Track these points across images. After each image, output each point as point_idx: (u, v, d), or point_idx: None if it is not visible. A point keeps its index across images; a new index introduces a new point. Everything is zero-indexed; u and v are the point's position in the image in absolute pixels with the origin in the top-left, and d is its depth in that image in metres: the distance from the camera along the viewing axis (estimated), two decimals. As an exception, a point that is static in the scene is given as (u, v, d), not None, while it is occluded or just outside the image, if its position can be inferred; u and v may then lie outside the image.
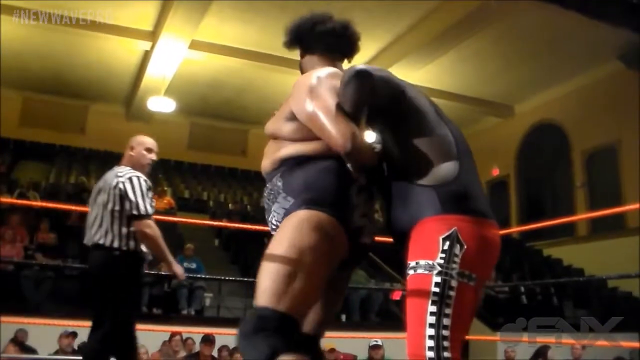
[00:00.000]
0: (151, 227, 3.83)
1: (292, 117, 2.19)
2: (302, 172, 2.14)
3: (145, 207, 3.83)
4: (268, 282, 1.98)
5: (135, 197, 3.82)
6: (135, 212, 3.81)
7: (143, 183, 3.92)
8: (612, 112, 13.16)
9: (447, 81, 14.29)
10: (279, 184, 2.18)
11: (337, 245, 2.08)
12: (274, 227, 2.19)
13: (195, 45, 13.16)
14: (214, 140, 18.63)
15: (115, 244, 3.78)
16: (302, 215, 2.05)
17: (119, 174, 3.94)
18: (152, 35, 13.08)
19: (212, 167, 19.04)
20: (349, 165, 2.13)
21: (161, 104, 15.33)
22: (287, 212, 2.11)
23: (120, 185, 3.86)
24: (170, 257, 3.98)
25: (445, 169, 2.08)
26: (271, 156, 2.26)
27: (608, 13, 10.63)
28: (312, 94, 2.12)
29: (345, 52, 2.47)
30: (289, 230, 2.04)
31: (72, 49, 13.78)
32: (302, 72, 2.41)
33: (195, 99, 16.62)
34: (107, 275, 3.80)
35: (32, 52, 14.04)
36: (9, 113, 16.45)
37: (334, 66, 2.35)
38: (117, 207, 3.83)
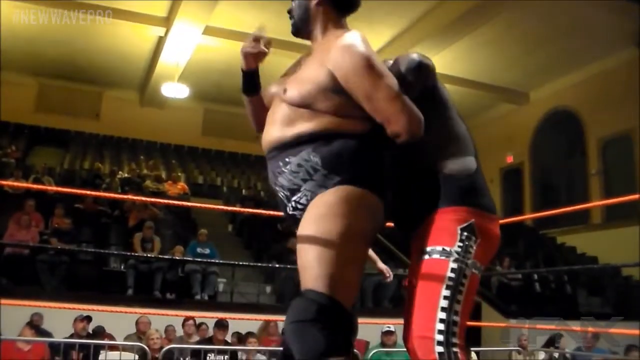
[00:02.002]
0: None
1: (338, 90, 2.00)
2: (344, 148, 1.99)
3: None
4: (321, 265, 1.88)
5: None
6: None
7: None
8: (628, 99, 13.01)
9: (462, 67, 14.21)
10: (316, 159, 1.99)
11: (378, 223, 2.06)
12: (300, 207, 2.03)
13: (209, 31, 13.15)
14: (227, 126, 18.61)
15: None
16: (352, 192, 1.96)
17: None
18: (166, 21, 13.07)
19: (226, 153, 19.06)
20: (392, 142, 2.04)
21: (175, 90, 15.35)
22: (326, 190, 1.98)
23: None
24: None
25: (467, 163, 2.13)
26: (294, 126, 2.05)
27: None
28: (371, 70, 1.96)
29: (352, 8, 2.26)
30: (339, 208, 1.93)
31: (86, 36, 13.79)
32: (305, 23, 2.25)
33: (209, 85, 16.62)
34: None
35: (47, 39, 14.07)
36: (24, 99, 16.57)
37: (341, 21, 2.22)
38: None
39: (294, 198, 2.05)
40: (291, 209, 2.08)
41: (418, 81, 2.08)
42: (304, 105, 2.04)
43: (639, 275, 12.31)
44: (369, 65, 1.96)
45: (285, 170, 2.05)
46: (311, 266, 1.89)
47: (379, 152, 2.05)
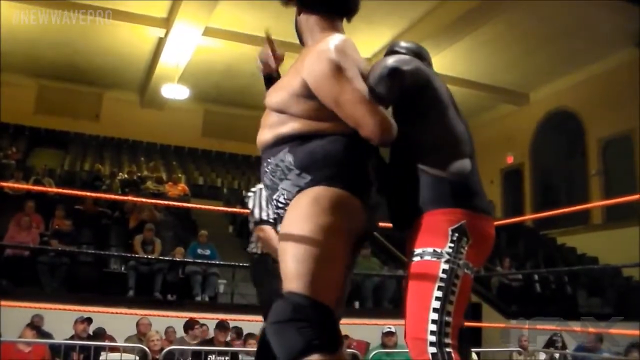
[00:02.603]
0: (263, 231, 4.03)
1: (309, 95, 2.04)
2: (317, 148, 2.03)
3: (259, 215, 4.06)
4: (297, 265, 1.90)
5: (253, 208, 4.14)
6: (253, 220, 4.09)
7: (265, 194, 4.14)
8: (628, 99, 13.02)
9: (462, 68, 14.22)
10: (289, 159, 2.05)
11: (358, 223, 2.06)
12: (281, 205, 2.10)
13: (209, 32, 13.16)
14: (227, 127, 18.63)
15: (253, 250, 4.19)
16: (323, 192, 1.98)
17: (251, 190, 4.31)
18: (166, 23, 13.08)
19: (226, 154, 19.06)
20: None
21: (175, 91, 15.36)
22: (301, 190, 2.02)
23: (246, 200, 4.38)
24: None
25: (461, 164, 2.13)
26: (274, 130, 2.11)
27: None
28: (339, 75, 1.98)
29: (347, 12, 2.26)
30: (310, 208, 1.96)
31: (86, 37, 13.81)
32: (298, 32, 2.29)
33: (209, 86, 16.63)
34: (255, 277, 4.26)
35: (47, 40, 14.09)
36: (24, 100, 16.58)
37: (335, 28, 2.21)
38: (251, 219, 4.17)
39: (274, 196, 2.13)
40: (274, 207, 2.16)
41: (391, 88, 2.06)
42: (281, 110, 2.11)
43: (639, 275, 12.31)
44: (336, 71, 1.98)
45: (267, 170, 2.13)
46: (288, 266, 1.92)
47: (358, 151, 2.05)
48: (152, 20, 13.14)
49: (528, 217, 13.00)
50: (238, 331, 8.11)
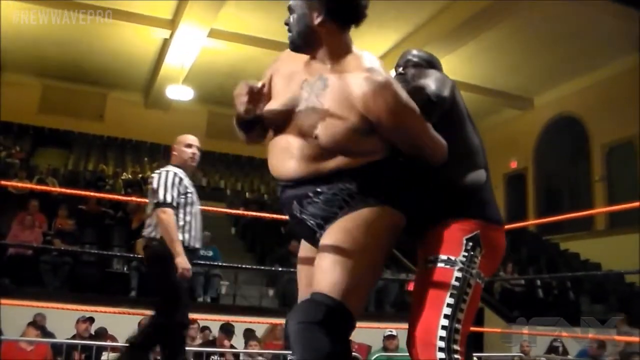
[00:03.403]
0: (165, 214, 4.04)
1: (371, 130, 1.98)
2: (375, 172, 2.01)
3: (164, 196, 4.07)
4: (340, 272, 1.90)
5: (158, 188, 4.11)
6: (155, 200, 4.09)
7: (170, 176, 4.19)
8: (632, 105, 12.98)
9: (466, 72, 14.20)
10: (351, 187, 1.99)
11: (398, 240, 2.11)
12: (321, 231, 2.04)
13: (214, 33, 13.16)
14: (232, 129, 18.30)
15: (152, 234, 4.13)
16: (379, 211, 2.00)
17: (155, 172, 4.33)
18: (171, 24, 13.09)
19: (230, 156, 19.04)
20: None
21: (180, 93, 15.36)
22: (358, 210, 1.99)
23: (150, 180, 4.29)
24: (179, 248, 4.01)
25: (476, 175, 2.18)
26: (316, 164, 2.01)
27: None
28: (405, 108, 1.96)
29: (357, 21, 2.11)
30: (365, 224, 1.96)
31: (91, 37, 13.82)
32: (305, 41, 2.11)
33: (213, 88, 16.62)
34: (151, 263, 4.23)
35: (51, 40, 14.09)
36: (29, 100, 16.59)
37: (348, 41, 2.10)
38: (150, 200, 4.21)
39: (327, 226, 2.03)
40: (320, 235, 2.07)
41: (435, 114, 2.09)
42: (338, 148, 2.00)
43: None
44: (403, 108, 1.97)
45: (318, 200, 2.03)
46: (329, 272, 1.92)
47: (404, 171, 2.08)
48: (158, 21, 13.14)
49: (531, 222, 13.00)
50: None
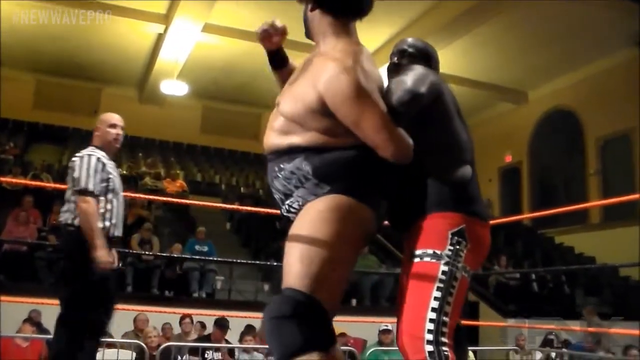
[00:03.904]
0: (87, 203, 3.79)
1: (327, 112, 2.01)
2: (335, 159, 2.03)
3: (86, 184, 3.82)
4: (304, 265, 1.92)
5: (80, 174, 3.84)
6: (77, 187, 3.83)
7: (93, 162, 3.90)
8: (627, 99, 13.01)
9: (461, 66, 14.21)
10: (307, 168, 2.04)
11: (368, 231, 2.10)
12: (293, 210, 2.10)
13: (208, 28, 13.15)
14: (226, 123, 18.65)
15: (70, 221, 3.86)
16: (340, 201, 2.00)
17: (77, 154, 3.98)
18: (165, 18, 13.08)
19: (225, 151, 19.05)
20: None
21: (174, 87, 15.36)
22: (318, 197, 2.04)
23: (71, 164, 3.94)
24: (98, 241, 3.73)
25: (463, 171, 2.20)
26: (287, 138, 2.09)
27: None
28: (360, 98, 1.97)
29: (362, 14, 2.19)
30: (327, 214, 1.98)
31: (85, 32, 13.78)
32: (308, 28, 2.24)
33: (208, 83, 16.62)
34: (66, 252, 4.01)
35: (45, 35, 14.05)
36: (23, 96, 16.55)
37: (348, 31, 2.17)
38: (71, 185, 3.91)
39: (287, 202, 2.13)
40: (285, 211, 2.16)
41: (411, 111, 2.08)
42: (295, 122, 2.08)
43: (638, 275, 12.31)
44: (357, 95, 1.97)
45: (280, 176, 2.11)
46: (294, 265, 1.94)
47: (373, 163, 2.05)
48: (152, 16, 13.13)
49: (526, 215, 13.00)
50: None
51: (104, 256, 3.73)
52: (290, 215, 2.13)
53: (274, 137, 2.15)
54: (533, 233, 15.36)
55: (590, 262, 12.95)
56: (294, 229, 2.02)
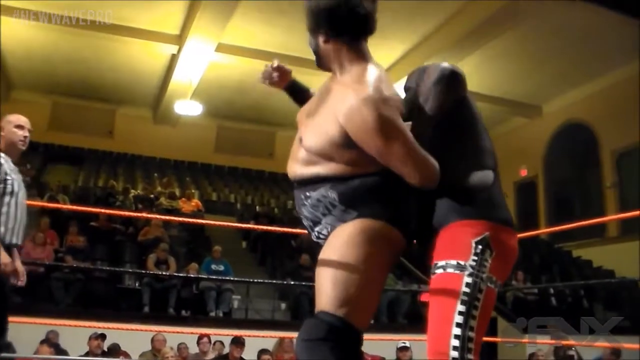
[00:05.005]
0: None
1: (351, 144, 1.99)
2: (361, 185, 2.02)
3: None
4: (337, 289, 1.93)
5: None
6: None
7: None
8: (642, 111, 12.96)
9: (474, 81, 14.17)
10: (333, 196, 2.04)
11: (397, 253, 2.09)
12: (323, 237, 2.10)
13: (221, 48, 13.22)
14: (241, 142, 18.70)
15: None
16: (368, 224, 2.00)
17: None
18: (179, 39, 13.16)
19: (239, 170, 19.09)
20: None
21: (188, 108, 15.43)
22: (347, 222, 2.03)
23: None
24: None
25: (484, 177, 2.11)
26: (311, 168, 2.09)
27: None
28: (384, 130, 1.93)
29: (371, 32, 2.16)
30: (356, 237, 1.98)
31: (99, 54, 13.92)
32: (322, 61, 2.18)
33: (222, 102, 16.69)
34: None
35: (60, 57, 14.20)
36: (38, 117, 16.63)
37: (364, 54, 2.13)
38: None
39: (316, 229, 2.13)
40: (315, 237, 2.16)
41: (450, 90, 2.08)
42: (319, 155, 2.08)
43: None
44: (379, 127, 1.94)
45: (307, 203, 2.12)
46: (326, 289, 1.94)
47: (398, 185, 2.04)
48: (165, 37, 13.22)
49: (543, 230, 12.95)
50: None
51: (3, 257, 3.49)
52: (320, 241, 2.13)
53: (298, 167, 2.15)
54: (550, 247, 15.27)
55: (609, 276, 12.84)
56: (325, 254, 2.02)
